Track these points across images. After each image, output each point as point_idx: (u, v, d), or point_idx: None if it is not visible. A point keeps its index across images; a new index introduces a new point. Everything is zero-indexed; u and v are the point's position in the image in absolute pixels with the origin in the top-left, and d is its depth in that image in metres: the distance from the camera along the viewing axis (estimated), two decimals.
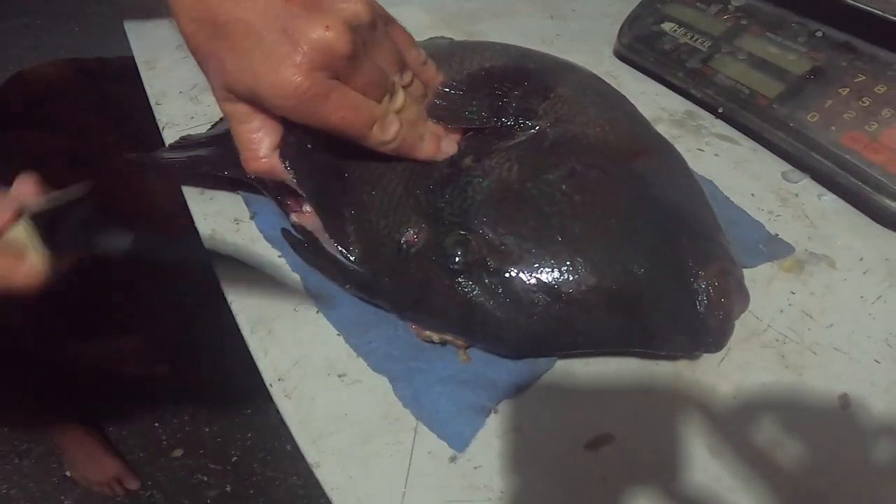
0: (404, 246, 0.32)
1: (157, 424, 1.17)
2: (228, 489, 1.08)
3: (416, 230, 0.32)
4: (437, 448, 0.30)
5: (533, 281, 0.30)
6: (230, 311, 0.37)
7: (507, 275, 0.30)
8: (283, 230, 0.37)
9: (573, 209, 0.31)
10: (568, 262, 0.30)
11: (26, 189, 0.31)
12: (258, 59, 0.28)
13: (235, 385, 1.21)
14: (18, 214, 0.29)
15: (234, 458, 1.12)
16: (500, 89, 0.37)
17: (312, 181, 0.35)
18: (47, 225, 0.30)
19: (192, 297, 1.36)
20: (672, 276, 0.30)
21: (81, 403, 1.19)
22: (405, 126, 0.32)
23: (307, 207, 0.37)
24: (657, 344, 0.31)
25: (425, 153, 0.34)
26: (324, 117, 0.29)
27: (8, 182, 0.31)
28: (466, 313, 0.31)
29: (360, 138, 0.31)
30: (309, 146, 0.35)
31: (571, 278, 0.30)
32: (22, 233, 0.29)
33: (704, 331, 0.30)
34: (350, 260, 0.33)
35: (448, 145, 0.35)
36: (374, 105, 0.31)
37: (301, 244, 0.36)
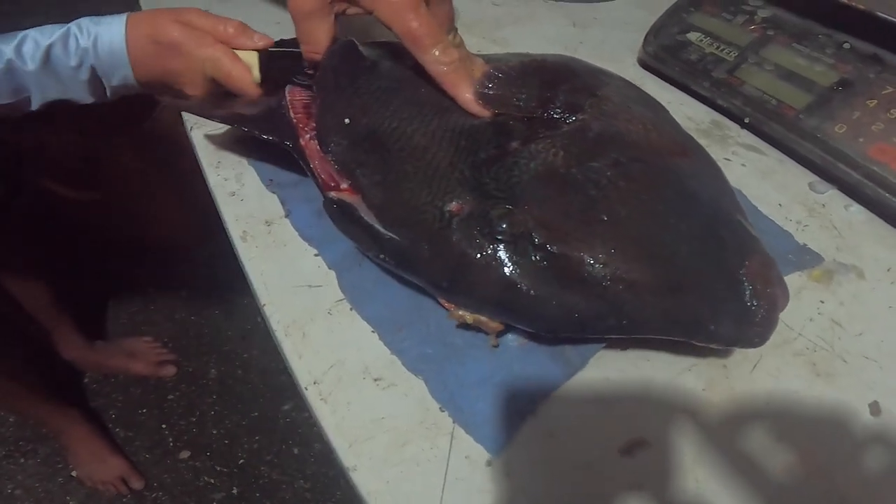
0: (447, 215, 0.32)
1: (163, 426, 1.16)
2: (235, 492, 1.08)
3: (461, 201, 0.32)
4: (474, 452, 0.30)
5: (579, 258, 0.30)
6: (259, 314, 0.37)
7: (552, 250, 0.30)
8: (325, 201, 0.37)
9: (619, 194, 0.32)
10: (615, 243, 0.30)
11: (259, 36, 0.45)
12: None
13: (244, 387, 1.21)
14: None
15: (241, 460, 1.11)
16: (548, 83, 0.38)
17: (351, 154, 0.36)
18: (264, 60, 0.44)
19: (202, 298, 1.36)
20: (718, 264, 0.31)
21: (88, 403, 1.19)
22: (461, 62, 0.38)
23: (344, 185, 0.37)
24: (702, 333, 0.31)
25: (467, 94, 0.38)
26: (405, 21, 0.37)
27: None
28: (508, 286, 0.30)
29: (422, 51, 0.38)
30: (347, 121, 0.37)
31: (618, 259, 0.30)
32: (251, 57, 0.44)
33: (750, 321, 0.30)
34: (389, 228, 0.33)
35: (487, 111, 0.38)
36: (443, 33, 0.38)
37: (338, 214, 0.36)
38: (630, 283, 0.30)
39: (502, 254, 0.30)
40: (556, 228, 0.30)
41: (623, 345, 0.35)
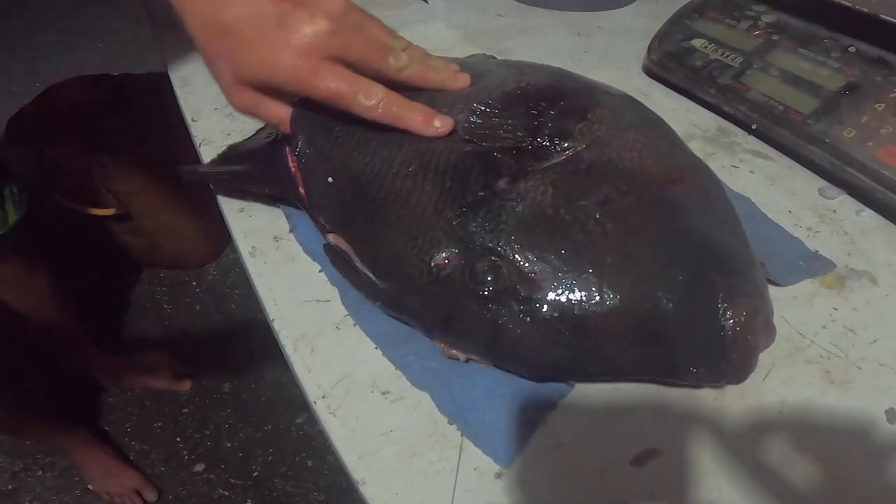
0: (434, 269, 0.32)
1: (178, 439, 1.17)
2: None
3: (447, 254, 0.32)
4: (483, 464, 0.30)
5: (561, 311, 0.30)
6: (270, 328, 0.37)
7: (536, 304, 0.30)
8: (325, 246, 0.38)
9: (605, 239, 0.31)
10: (597, 294, 0.30)
11: None
12: (262, 48, 0.34)
13: (257, 401, 1.22)
14: None
15: (256, 473, 1.12)
16: (536, 108, 0.37)
17: (338, 212, 0.36)
18: None
19: (216, 312, 1.37)
20: (700, 309, 0.30)
21: (104, 417, 1.20)
22: (389, 95, 0.36)
23: None
24: (679, 375, 0.32)
25: (412, 123, 0.36)
26: (314, 89, 0.34)
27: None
28: (494, 338, 0.31)
29: (348, 105, 0.35)
30: (330, 179, 0.37)
31: (600, 310, 0.30)
32: None
33: (726, 366, 0.31)
34: (380, 278, 0.34)
35: (444, 123, 0.36)
36: (358, 77, 0.35)
37: (337, 260, 0.37)
38: (609, 334, 0.30)
39: (488, 309, 0.31)
40: (539, 281, 0.31)
41: None
